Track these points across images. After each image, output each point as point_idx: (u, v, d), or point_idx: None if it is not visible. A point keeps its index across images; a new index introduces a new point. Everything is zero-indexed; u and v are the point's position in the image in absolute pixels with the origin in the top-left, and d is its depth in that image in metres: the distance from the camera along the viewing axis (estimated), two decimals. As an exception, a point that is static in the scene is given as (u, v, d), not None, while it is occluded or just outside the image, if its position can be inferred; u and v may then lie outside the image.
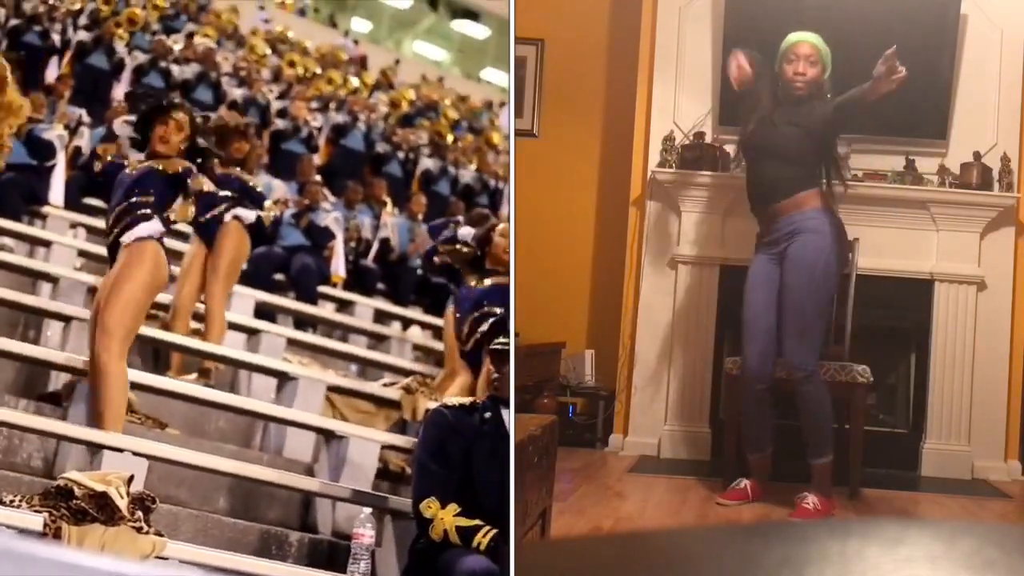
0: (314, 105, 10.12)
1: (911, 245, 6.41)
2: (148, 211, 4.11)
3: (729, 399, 5.62)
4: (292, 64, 11.79)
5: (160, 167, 4.22)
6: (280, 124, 9.27)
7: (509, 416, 3.68)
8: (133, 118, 4.42)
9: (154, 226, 4.11)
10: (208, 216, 5.46)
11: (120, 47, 9.28)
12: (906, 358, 6.55)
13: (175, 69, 9.29)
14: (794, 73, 4.97)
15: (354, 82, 11.77)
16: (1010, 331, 6.38)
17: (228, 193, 5.40)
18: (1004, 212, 6.39)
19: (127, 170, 4.24)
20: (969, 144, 6.38)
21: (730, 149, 6.55)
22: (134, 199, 4.13)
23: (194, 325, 5.53)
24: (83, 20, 9.62)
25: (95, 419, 3.92)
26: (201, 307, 5.51)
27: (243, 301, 6.17)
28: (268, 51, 11.89)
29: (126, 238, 4.08)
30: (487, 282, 5.04)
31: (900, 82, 4.64)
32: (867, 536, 0.88)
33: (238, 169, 5.60)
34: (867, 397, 5.53)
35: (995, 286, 6.39)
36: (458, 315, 5.14)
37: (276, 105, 9.75)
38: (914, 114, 6.35)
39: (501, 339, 3.78)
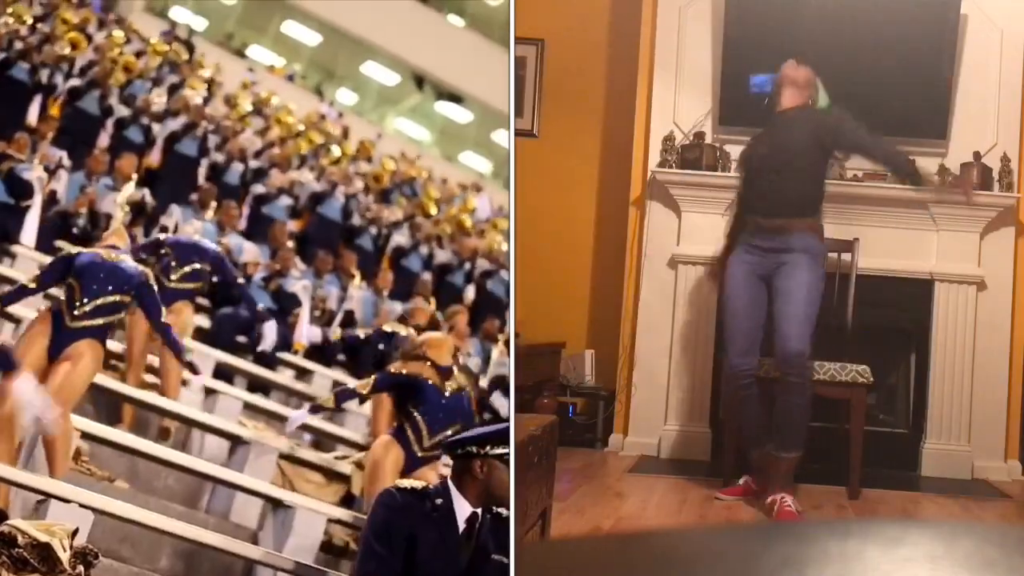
0: (295, 171, 10.22)
1: (911, 245, 6.41)
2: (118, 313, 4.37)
3: (729, 399, 5.62)
4: (279, 121, 11.89)
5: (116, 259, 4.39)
6: (262, 188, 9.32)
7: (511, 416, 3.67)
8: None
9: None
10: (177, 277, 5.51)
11: (113, 95, 9.30)
12: (906, 358, 6.55)
13: (156, 127, 9.30)
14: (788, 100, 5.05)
15: (335, 151, 11.86)
16: (1010, 331, 6.38)
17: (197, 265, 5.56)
18: (1004, 212, 6.39)
19: (98, 258, 4.32)
20: (969, 144, 6.38)
21: (730, 149, 6.56)
22: (111, 298, 4.30)
23: (150, 379, 5.50)
24: (78, 64, 9.64)
25: (50, 470, 4.00)
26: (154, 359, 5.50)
27: (203, 361, 6.06)
28: (250, 108, 11.98)
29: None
30: (448, 389, 4.87)
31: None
32: (867, 536, 0.88)
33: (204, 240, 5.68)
34: (867, 397, 5.53)
35: (995, 286, 6.39)
36: (424, 417, 4.87)
37: (254, 164, 9.79)
38: (914, 114, 6.36)
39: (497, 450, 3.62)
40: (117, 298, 4.33)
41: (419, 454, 4.70)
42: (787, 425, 5.00)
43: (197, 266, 5.67)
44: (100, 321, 4.29)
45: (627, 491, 5.29)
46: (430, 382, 4.78)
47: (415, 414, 4.80)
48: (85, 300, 4.26)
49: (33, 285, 4.41)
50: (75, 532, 3.43)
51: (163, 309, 4.60)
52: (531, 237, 6.73)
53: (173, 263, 5.57)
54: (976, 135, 6.40)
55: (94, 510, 3.75)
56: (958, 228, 6.40)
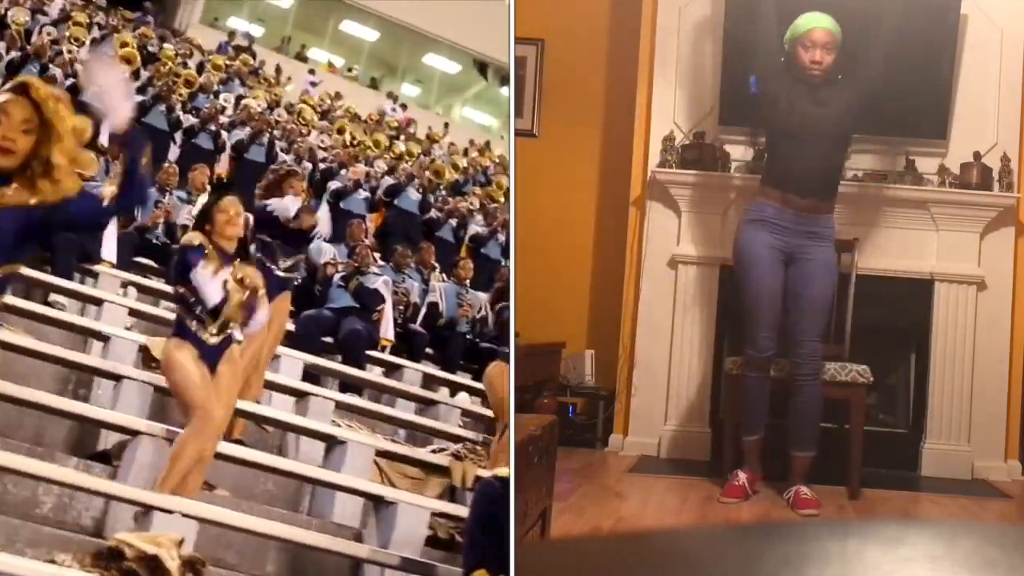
0: (365, 166, 10.32)
1: (911, 245, 6.41)
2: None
3: (729, 399, 5.62)
4: (341, 131, 12.02)
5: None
6: (337, 183, 9.38)
7: (510, 420, 3.68)
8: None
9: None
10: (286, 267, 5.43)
11: (178, 107, 9.43)
12: (906, 358, 6.54)
13: (224, 133, 9.50)
14: (811, 61, 4.95)
15: (400, 146, 11.96)
16: (1010, 331, 6.37)
17: (291, 263, 5.48)
18: (1004, 212, 6.38)
19: (209, 270, 4.19)
20: (969, 144, 6.37)
21: (730, 149, 6.55)
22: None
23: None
24: (138, 80, 9.87)
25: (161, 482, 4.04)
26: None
27: (292, 364, 6.12)
28: (316, 117, 12.14)
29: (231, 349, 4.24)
30: None
31: None
32: (867, 536, 0.88)
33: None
34: (867, 397, 5.53)
35: (995, 286, 6.38)
36: None
37: (323, 165, 9.95)
38: (914, 114, 6.35)
39: None
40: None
41: None
42: (806, 428, 5.00)
43: (301, 257, 5.62)
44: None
45: (627, 491, 5.29)
46: None
47: None
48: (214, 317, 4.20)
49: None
50: (181, 542, 3.46)
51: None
52: (531, 237, 6.73)
53: (280, 252, 5.47)
54: (976, 135, 6.40)
55: (197, 519, 3.78)
56: (958, 228, 6.39)
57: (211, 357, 4.16)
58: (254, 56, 14.93)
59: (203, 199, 7.29)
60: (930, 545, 0.88)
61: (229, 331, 4.20)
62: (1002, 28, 6.44)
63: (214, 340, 4.17)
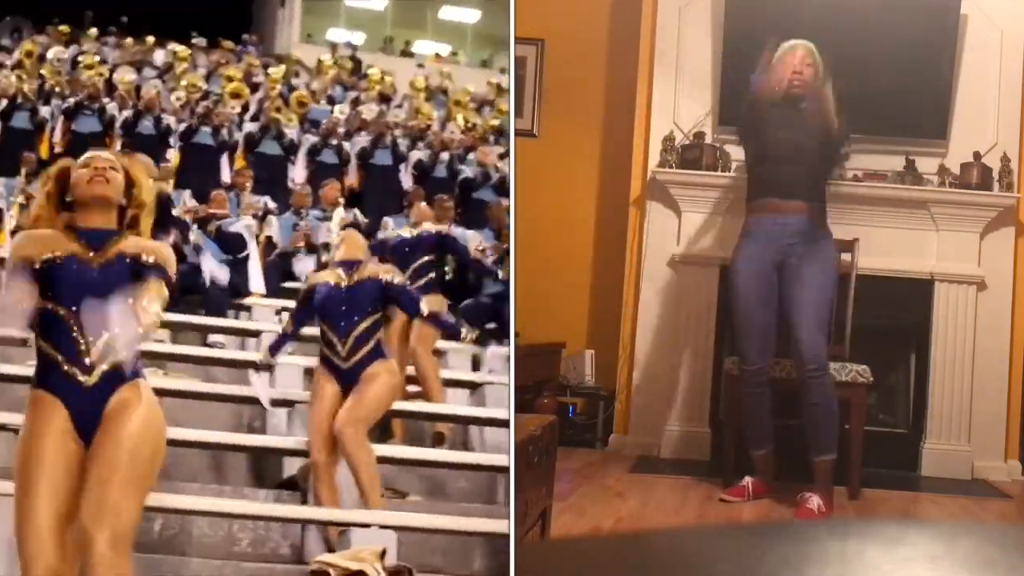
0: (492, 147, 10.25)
1: (911, 245, 6.41)
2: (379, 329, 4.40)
3: (729, 399, 5.62)
4: (457, 103, 12.06)
5: (368, 277, 4.42)
6: (468, 172, 9.33)
7: (510, 420, 3.68)
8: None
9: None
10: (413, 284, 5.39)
11: (290, 130, 9.48)
12: (906, 358, 6.54)
13: (346, 145, 9.52)
14: (792, 72, 5.01)
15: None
16: (1010, 331, 6.38)
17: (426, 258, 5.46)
18: (1004, 212, 6.38)
19: (332, 283, 4.39)
20: (969, 144, 6.37)
21: (731, 149, 6.55)
22: (367, 321, 4.35)
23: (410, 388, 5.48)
24: (250, 111, 9.94)
25: (362, 498, 4.09)
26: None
27: (460, 357, 6.10)
28: (433, 112, 12.15)
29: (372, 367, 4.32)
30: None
31: None
32: (867, 536, 0.88)
33: (427, 225, 5.52)
34: (867, 397, 5.53)
35: (995, 286, 6.39)
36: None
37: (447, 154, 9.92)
38: (914, 114, 6.35)
39: None
40: (368, 323, 4.36)
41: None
42: (821, 429, 4.97)
43: (425, 259, 5.58)
44: (369, 346, 4.33)
45: (627, 491, 5.28)
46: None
47: None
48: (343, 339, 4.32)
49: (290, 329, 4.57)
50: (383, 553, 3.49)
51: (420, 298, 4.64)
52: (531, 237, 6.73)
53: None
54: (976, 135, 6.40)
55: (394, 528, 3.82)
56: (958, 228, 6.39)
57: (347, 380, 4.31)
58: (359, 64, 14.90)
59: (339, 213, 7.44)
60: (930, 545, 0.88)
61: (360, 354, 4.30)
62: (1002, 28, 6.44)
63: (346, 365, 4.32)
